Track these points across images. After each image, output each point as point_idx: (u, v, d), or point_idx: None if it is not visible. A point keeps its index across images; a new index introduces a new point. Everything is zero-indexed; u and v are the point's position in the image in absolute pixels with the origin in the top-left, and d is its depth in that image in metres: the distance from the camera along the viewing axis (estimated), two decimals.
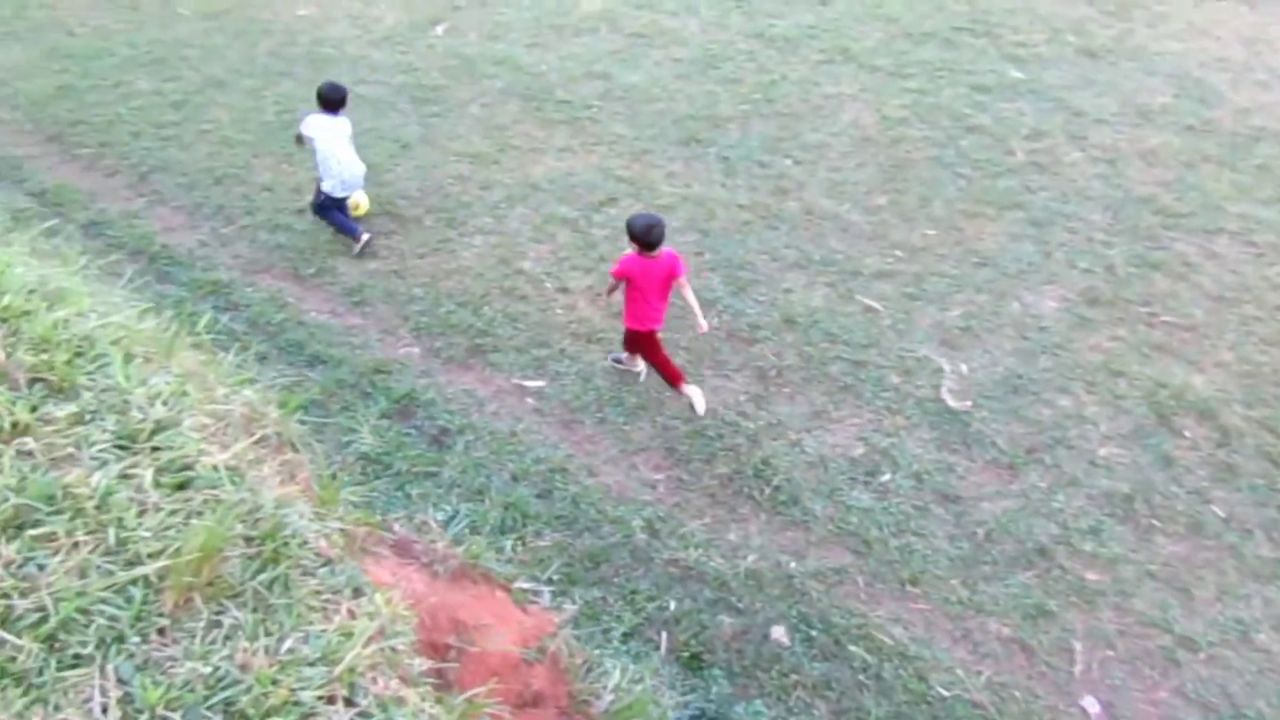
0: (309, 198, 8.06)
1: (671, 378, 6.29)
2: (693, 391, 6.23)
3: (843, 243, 7.63)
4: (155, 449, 2.14)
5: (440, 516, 4.66)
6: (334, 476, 2.82)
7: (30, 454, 2.03)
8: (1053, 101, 9.15)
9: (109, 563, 1.90)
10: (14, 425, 2.07)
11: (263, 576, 1.99)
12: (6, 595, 1.76)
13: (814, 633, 5.09)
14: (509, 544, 4.99)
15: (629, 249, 6.15)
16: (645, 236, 5.97)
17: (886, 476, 5.92)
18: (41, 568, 1.84)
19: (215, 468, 2.14)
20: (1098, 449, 6.06)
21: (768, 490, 5.86)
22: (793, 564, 5.43)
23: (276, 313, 7.26)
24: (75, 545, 1.90)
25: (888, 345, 6.77)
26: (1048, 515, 5.66)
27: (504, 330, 7.05)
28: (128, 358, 2.34)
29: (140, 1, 11.65)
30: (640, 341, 6.35)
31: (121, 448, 2.13)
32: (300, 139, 7.82)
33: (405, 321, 7.19)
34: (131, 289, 3.46)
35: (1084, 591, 5.27)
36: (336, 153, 7.57)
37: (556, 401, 6.53)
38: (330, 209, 7.83)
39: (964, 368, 6.61)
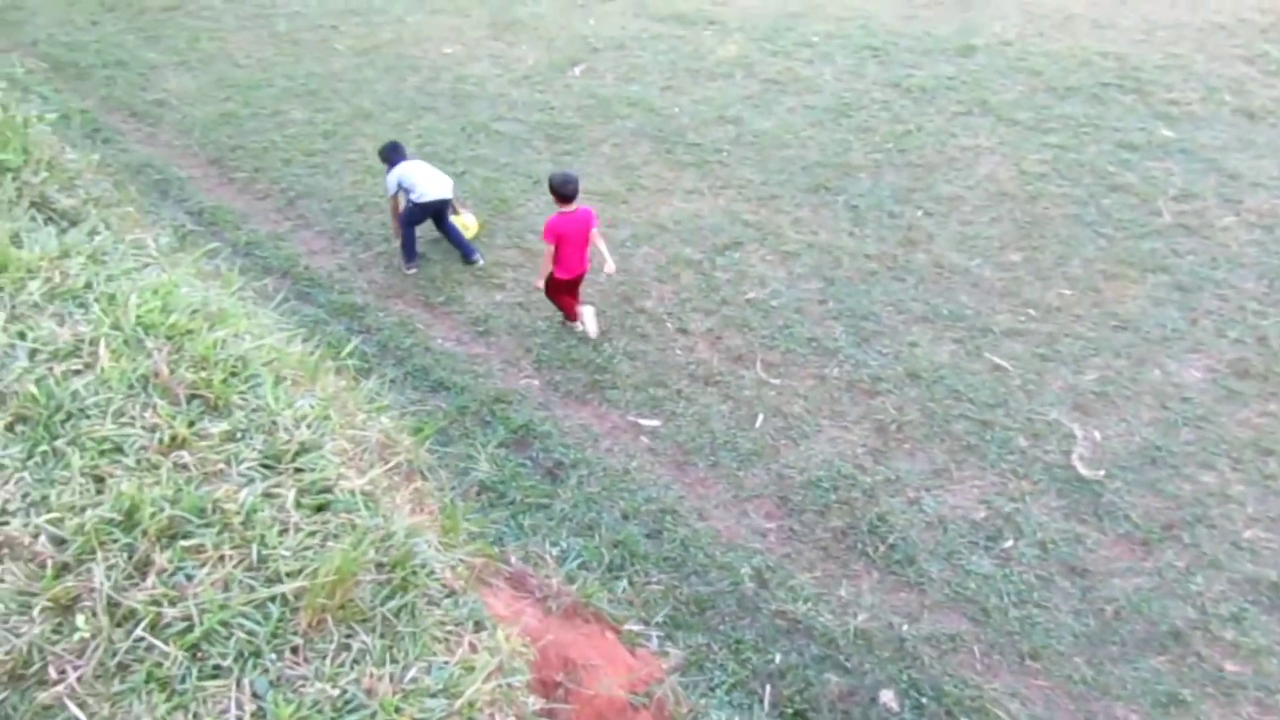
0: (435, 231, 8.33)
1: (570, 312, 7.41)
2: (587, 313, 7.35)
3: (973, 298, 7.43)
4: (298, 470, 2.22)
5: (553, 551, 4.70)
6: (455, 504, 2.88)
7: (185, 467, 2.14)
8: (1205, 162, 8.74)
9: (250, 578, 1.97)
10: (173, 439, 2.18)
11: (391, 604, 2.03)
12: (158, 603, 1.85)
13: (924, 700, 4.90)
14: (621, 585, 4.99)
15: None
16: (562, 189, 6.94)
17: (1009, 543, 5.68)
18: (190, 578, 1.93)
19: (352, 492, 2.21)
20: (1242, 530, 5.68)
21: (882, 548, 5.70)
22: (905, 626, 5.25)
23: (406, 338, 7.51)
24: (221, 559, 1.98)
25: (1016, 406, 6.53)
26: (1184, 597, 5.32)
27: (623, 367, 7.10)
28: (277, 380, 2.44)
29: (301, 37, 12.32)
30: (565, 286, 7.25)
31: (267, 466, 2.22)
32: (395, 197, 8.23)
33: (527, 353, 7.32)
34: (279, 311, 3.62)
35: (1222, 683, 4.93)
36: (418, 178, 7.98)
37: (670, 442, 6.52)
38: (412, 225, 8.14)
39: (1097, 435, 6.31)
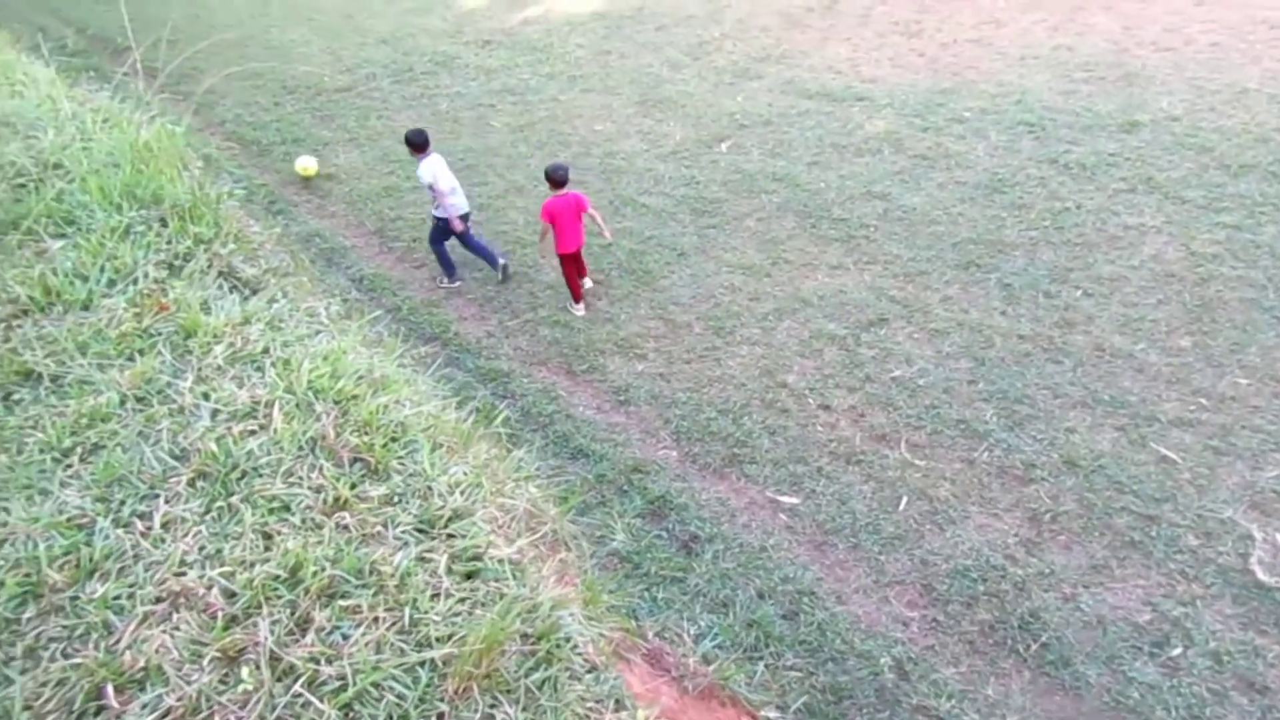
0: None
1: (576, 293, 8.71)
2: (585, 282, 8.83)
3: (1137, 384, 7.03)
4: (450, 536, 2.27)
5: (688, 626, 4.63)
6: (597, 578, 2.88)
7: (346, 528, 2.22)
8: None
9: (402, 641, 2.01)
10: (336, 500, 2.27)
11: (535, 676, 2.03)
12: (316, 660, 1.91)
13: None
14: (759, 670, 4.86)
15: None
16: (554, 175, 8.35)
17: (1177, 650, 5.26)
18: (346, 637, 1.99)
19: (501, 561, 2.24)
20: None
21: (1034, 646, 5.37)
22: None
23: (548, 405, 7.66)
24: (375, 620, 2.03)
25: (1185, 502, 6.09)
26: None
27: (762, 442, 7.02)
28: (434, 446, 2.52)
29: (460, 115, 12.99)
30: (569, 261, 8.56)
31: (421, 531, 2.27)
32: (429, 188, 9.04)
33: (666, 424, 7.34)
34: (434, 377, 3.75)
35: None
36: (446, 194, 8.94)
37: (810, 520, 6.38)
38: (441, 241, 9.31)
39: (1279, 537, 5.81)
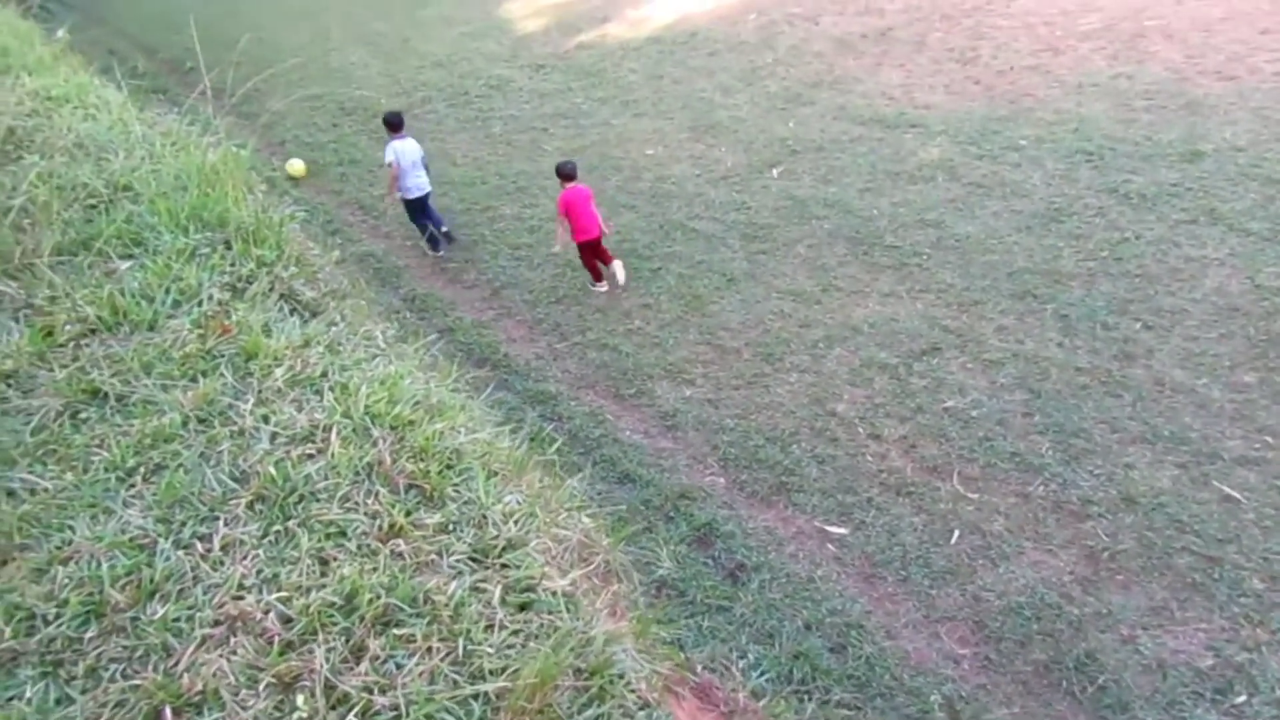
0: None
1: (605, 258, 9.40)
2: (616, 266, 9.34)
3: (1199, 420, 6.84)
4: (504, 566, 2.26)
5: (735, 659, 4.57)
6: (649, 612, 2.85)
7: (401, 555, 2.22)
8: None
9: (455, 672, 2.00)
10: (391, 526, 2.28)
11: (588, 713, 2.01)
12: (370, 689, 1.91)
13: None
14: (809, 708, 4.78)
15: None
16: (564, 170, 9.22)
17: (1241, 698, 5.08)
18: (399, 667, 1.98)
19: (554, 593, 2.22)
20: None
21: (1091, 689, 5.23)
22: None
23: (595, 428, 7.66)
24: (429, 650, 2.02)
25: (1250, 543, 5.90)
26: None
27: (811, 471, 6.95)
28: (489, 474, 2.52)
29: (514, 139, 13.12)
30: (589, 248, 9.26)
31: (475, 560, 2.27)
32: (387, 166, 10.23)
33: (714, 450, 7.30)
34: (486, 401, 3.76)
35: None
36: (407, 173, 10.11)
37: (859, 552, 6.29)
38: (418, 213, 10.49)
39: None
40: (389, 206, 11.05)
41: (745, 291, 9.08)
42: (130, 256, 3.26)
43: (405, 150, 10.12)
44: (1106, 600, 5.70)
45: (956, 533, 6.27)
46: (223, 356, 2.79)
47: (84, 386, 2.67)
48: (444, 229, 10.54)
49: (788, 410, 7.53)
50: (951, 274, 8.86)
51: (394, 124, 10.28)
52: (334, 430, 2.51)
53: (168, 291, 3.06)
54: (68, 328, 2.90)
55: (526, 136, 13.18)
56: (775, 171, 11.20)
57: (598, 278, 9.47)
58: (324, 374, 2.76)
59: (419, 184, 10.24)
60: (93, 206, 3.59)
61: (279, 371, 2.72)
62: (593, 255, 9.34)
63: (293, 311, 3.20)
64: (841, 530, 6.46)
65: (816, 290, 8.93)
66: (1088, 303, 8.19)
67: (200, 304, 3.02)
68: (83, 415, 2.59)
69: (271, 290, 3.20)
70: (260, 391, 2.65)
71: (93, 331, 2.89)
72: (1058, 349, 7.76)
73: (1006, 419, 7.13)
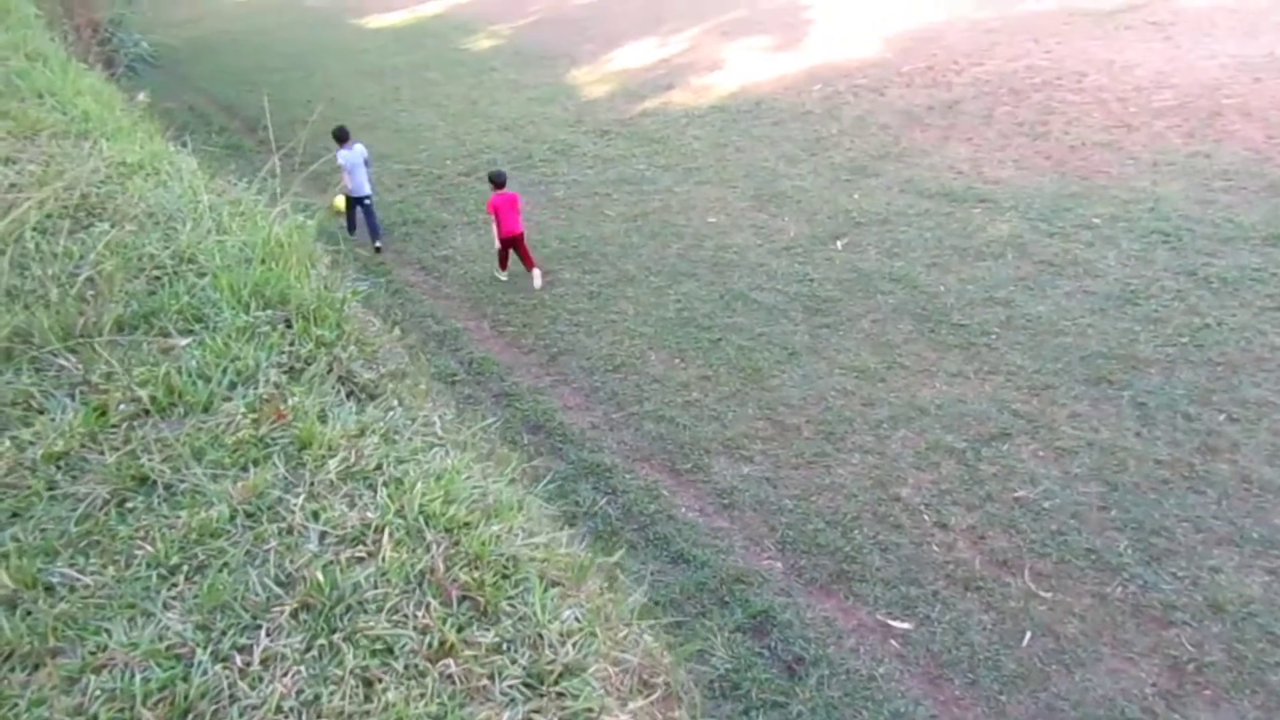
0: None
1: (528, 261, 11.14)
2: (535, 274, 11.11)
3: None
4: (560, 694, 2.08)
5: None
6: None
7: (451, 679, 2.05)
8: None
9: None
10: (441, 644, 2.12)
11: None
12: None
13: None
14: None
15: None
16: (495, 178, 11.24)
17: None
18: None
19: None
20: None
21: None
22: None
23: (650, 503, 7.47)
24: None
25: None
26: None
27: (873, 559, 6.67)
28: (546, 586, 2.35)
29: (576, 203, 13.18)
30: (508, 243, 11.08)
31: (529, 687, 2.09)
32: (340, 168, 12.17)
33: (772, 532, 7.06)
34: (546, 491, 3.61)
35: None
36: (353, 173, 12.21)
37: (923, 649, 5.98)
38: (352, 209, 12.75)
39: None
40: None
41: (807, 366, 8.88)
42: (190, 332, 3.20)
43: (351, 156, 12.37)
44: (1192, 717, 5.32)
45: (1028, 634, 5.94)
46: (276, 444, 2.68)
47: (133, 472, 2.57)
48: (378, 241, 12.69)
49: (849, 493, 7.28)
50: (1022, 356, 8.58)
51: (341, 137, 12.55)
52: (386, 532, 2.37)
53: (224, 372, 2.97)
54: (121, 407, 2.82)
55: (589, 202, 13.23)
56: (839, 244, 11.05)
57: (503, 266, 11.45)
58: (378, 466, 2.63)
59: (359, 184, 12.46)
60: (157, 278, 3.55)
61: (332, 463, 2.60)
62: (508, 249, 11.19)
63: (350, 394, 3.09)
64: (905, 625, 6.16)
65: (881, 368, 8.70)
66: (1167, 391, 7.85)
67: (256, 386, 2.93)
68: (129, 504, 2.48)
69: (330, 372, 3.10)
70: (312, 484, 2.53)
71: (146, 412, 2.81)
72: (1135, 439, 7.42)
73: (1081, 512, 6.80)
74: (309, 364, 3.12)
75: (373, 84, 20.54)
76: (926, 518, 6.96)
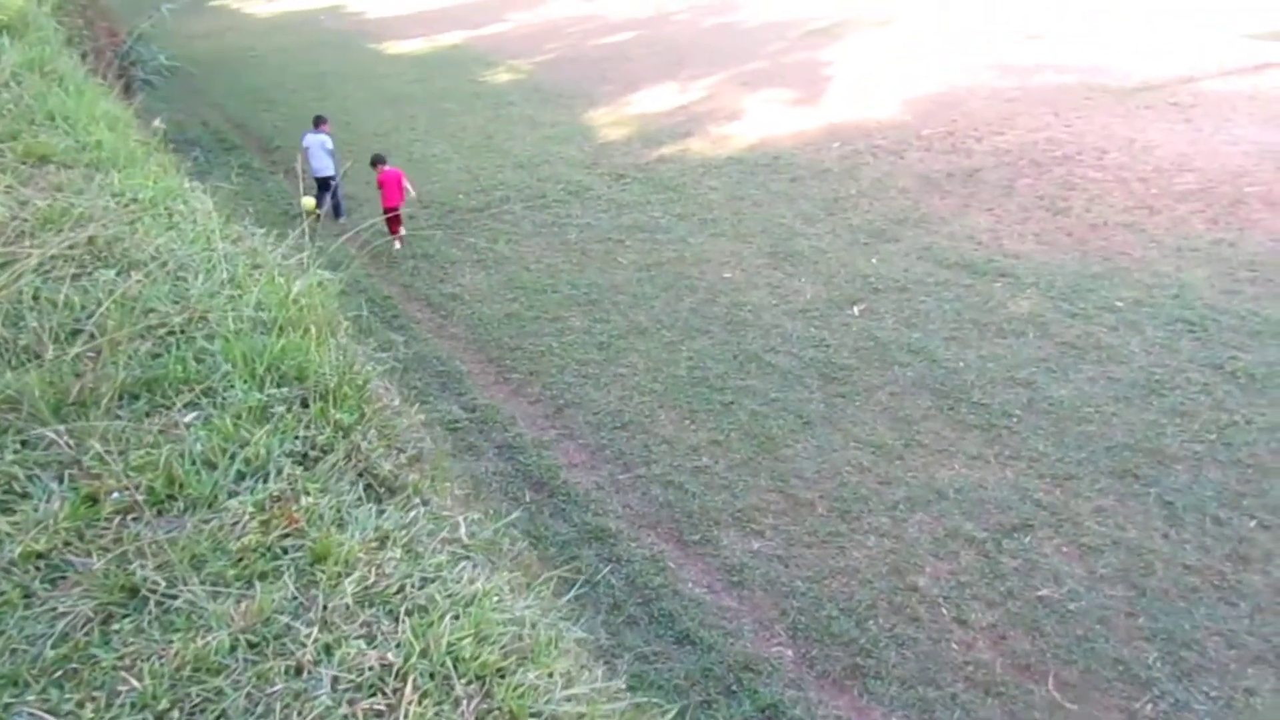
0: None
1: (395, 228, 13.11)
2: (397, 242, 13.23)
3: None
4: None
5: None
6: None
7: None
8: None
9: None
10: None
11: None
12: None
13: None
14: None
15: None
16: (376, 160, 13.69)
17: None
18: None
19: None
20: None
21: None
22: None
23: (655, 575, 7.15)
24: None
25: None
26: None
27: (889, 653, 6.35)
28: None
29: (589, 248, 12.94)
30: (389, 214, 13.04)
31: None
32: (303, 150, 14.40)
33: (783, 616, 6.74)
34: (586, 625, 3.29)
35: None
36: (311, 155, 14.31)
37: None
38: (321, 190, 14.24)
39: None
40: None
41: (821, 437, 8.59)
42: (196, 406, 2.90)
43: (316, 141, 14.34)
44: None
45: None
46: (286, 555, 2.38)
47: (122, 583, 2.26)
48: (340, 215, 14.56)
49: (864, 579, 6.97)
50: (1044, 442, 8.31)
51: (318, 122, 14.68)
52: (409, 680, 2.06)
53: (232, 459, 2.67)
54: (115, 497, 2.52)
55: (601, 247, 12.99)
56: (857, 309, 10.82)
57: (393, 232, 13.20)
58: (400, 589, 2.33)
59: (322, 167, 14.36)
60: (164, 337, 3.26)
61: (349, 584, 2.30)
62: (392, 218, 13.09)
63: (368, 488, 2.80)
64: None
65: (898, 444, 8.42)
66: (1195, 491, 7.58)
67: (267, 478, 2.63)
68: (115, 626, 2.17)
69: (348, 463, 2.81)
70: (326, 610, 2.23)
71: (143, 503, 2.51)
72: (1163, 540, 7.14)
73: (1108, 617, 6.49)
74: (326, 452, 2.83)
75: (389, 110, 20.37)
76: (945, 612, 6.65)
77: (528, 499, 8.06)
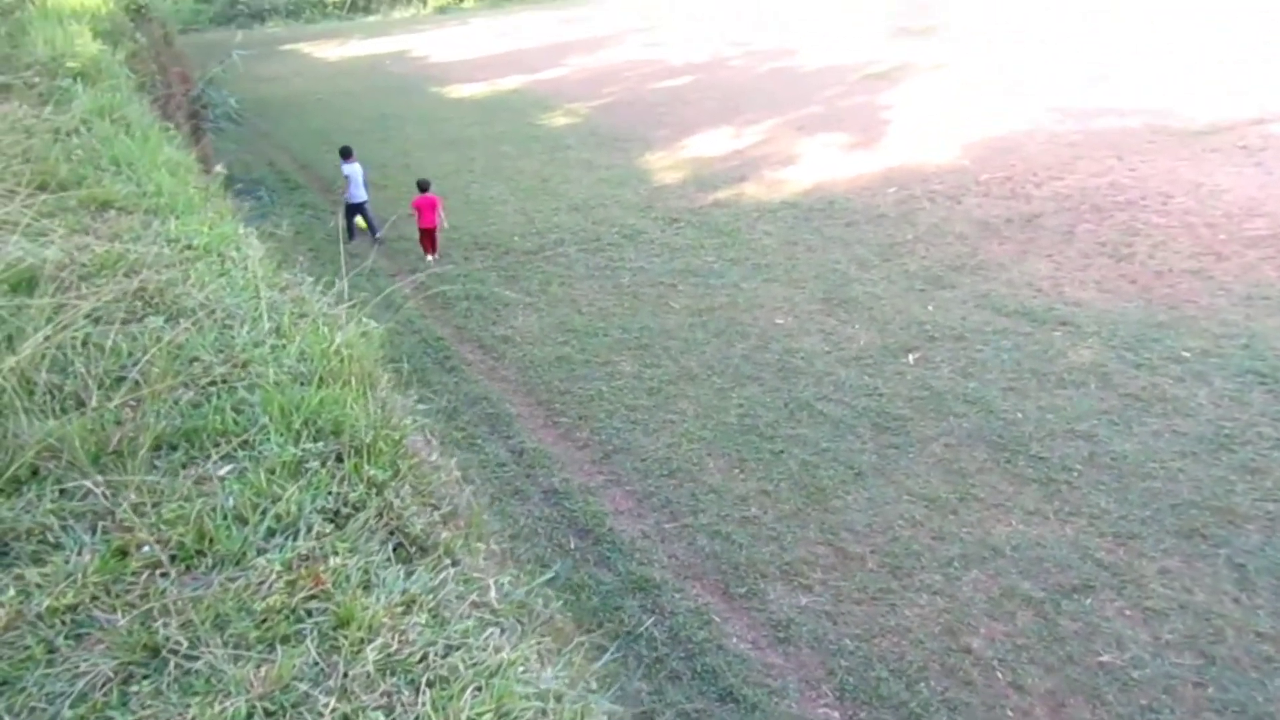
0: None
1: (432, 247, 14.79)
2: (431, 259, 14.74)
3: None
4: None
5: None
6: None
7: None
8: None
9: None
10: None
11: None
12: None
13: None
14: None
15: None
16: (421, 185, 14.83)
17: None
18: None
19: None
20: None
21: None
22: None
23: (699, 629, 7.01)
24: None
25: None
26: None
27: (940, 718, 6.12)
28: None
29: (641, 292, 12.93)
30: (426, 234, 14.64)
31: None
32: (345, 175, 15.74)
33: (830, 676, 6.54)
34: (625, 682, 3.21)
35: None
36: (350, 182, 15.67)
37: None
38: (351, 215, 15.77)
39: None
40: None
41: (873, 489, 8.40)
42: (232, 459, 2.90)
43: (354, 171, 15.65)
44: None
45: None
46: (310, 618, 2.34)
47: (145, 641, 2.24)
48: (377, 234, 15.69)
49: (916, 639, 6.75)
50: (1106, 498, 8.03)
51: (346, 154, 15.85)
52: None
53: (263, 514, 2.66)
54: (145, 550, 2.51)
55: (654, 291, 12.98)
56: (911, 358, 10.62)
57: (426, 251, 14.81)
58: (423, 658, 2.27)
59: (357, 193, 15.70)
60: (205, 387, 3.28)
61: (371, 651, 2.24)
62: (427, 239, 14.70)
63: (398, 547, 2.76)
64: None
65: (953, 498, 8.19)
66: (1268, 553, 7.24)
67: (296, 535, 2.60)
68: (134, 686, 2.14)
69: (379, 521, 2.77)
70: (345, 677, 2.17)
71: (173, 558, 2.50)
72: (1234, 605, 6.82)
73: (1174, 687, 6.19)
74: (358, 509, 2.80)
75: (448, 153, 20.75)
76: (1000, 675, 6.40)
77: (572, 546, 7.98)
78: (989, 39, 26.29)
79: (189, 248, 4.56)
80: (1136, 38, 24.71)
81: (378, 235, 15.65)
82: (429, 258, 14.69)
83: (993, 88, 21.66)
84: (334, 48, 37.11)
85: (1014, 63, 23.56)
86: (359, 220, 16.01)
